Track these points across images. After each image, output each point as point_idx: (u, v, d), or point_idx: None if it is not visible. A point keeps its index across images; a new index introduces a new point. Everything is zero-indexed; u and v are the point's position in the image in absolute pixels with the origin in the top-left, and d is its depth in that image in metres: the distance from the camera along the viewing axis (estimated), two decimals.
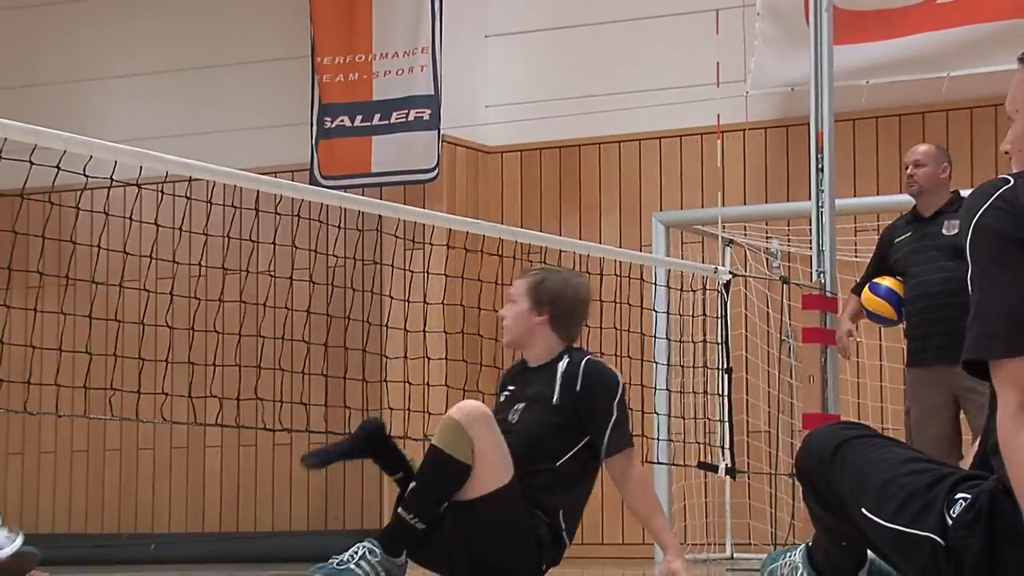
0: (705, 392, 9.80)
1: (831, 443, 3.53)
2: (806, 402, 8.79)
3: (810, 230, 9.20)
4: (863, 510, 3.38)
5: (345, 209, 7.39)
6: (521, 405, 6.06)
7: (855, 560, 3.80)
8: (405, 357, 7.53)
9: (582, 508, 6.11)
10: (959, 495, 3.21)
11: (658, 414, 9.27)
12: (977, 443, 3.45)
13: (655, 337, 9.47)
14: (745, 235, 11.23)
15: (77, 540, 12.29)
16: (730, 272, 9.30)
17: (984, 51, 10.65)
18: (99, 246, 6.49)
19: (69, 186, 6.12)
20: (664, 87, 11.86)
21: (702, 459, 9.15)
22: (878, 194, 11.26)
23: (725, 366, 9.02)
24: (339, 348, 7.96)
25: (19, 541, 6.07)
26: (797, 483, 9.71)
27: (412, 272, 7.62)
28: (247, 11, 13.03)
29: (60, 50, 13.50)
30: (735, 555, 10.57)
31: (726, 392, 9.07)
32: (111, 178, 5.90)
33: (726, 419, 9.02)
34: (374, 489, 12.09)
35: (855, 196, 11.06)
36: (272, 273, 7.37)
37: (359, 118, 12.01)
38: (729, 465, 8.94)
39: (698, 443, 9.43)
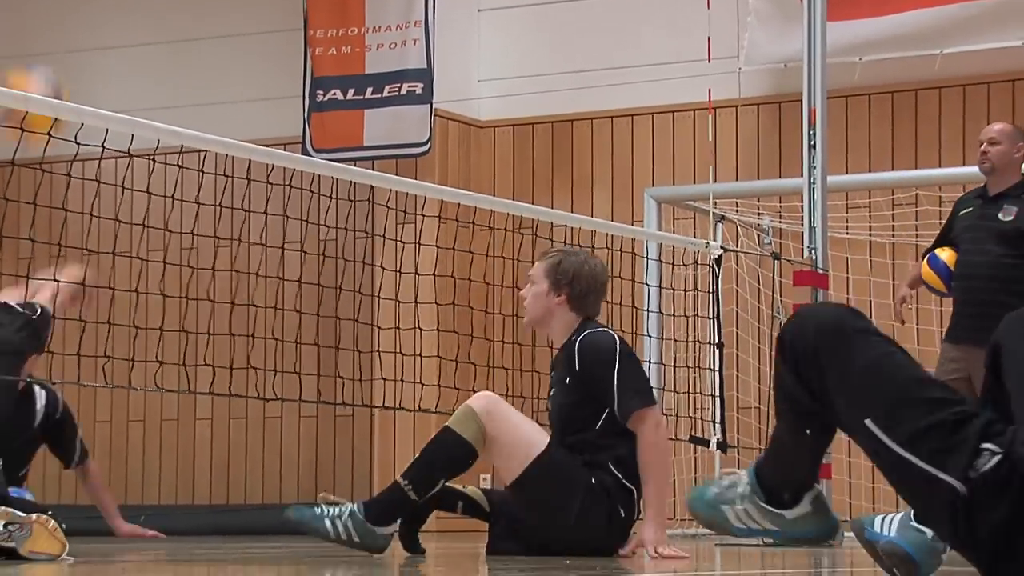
0: (696, 367, 9.82)
1: (836, 327, 3.28)
2: None
3: (802, 206, 9.22)
4: (868, 421, 3.18)
5: (337, 180, 7.38)
6: (553, 388, 6.33)
7: (808, 467, 3.58)
8: (397, 328, 7.54)
9: (633, 448, 6.21)
10: (987, 445, 3.07)
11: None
12: None
13: (646, 311, 9.48)
14: (737, 211, 11.24)
15: (67, 511, 12.24)
16: (721, 247, 9.32)
17: (977, 29, 10.65)
18: (91, 214, 6.48)
19: (60, 157, 6.11)
20: (657, 63, 11.85)
21: (693, 433, 9.18)
22: (870, 171, 11.27)
23: (717, 341, 9.04)
24: (331, 318, 7.97)
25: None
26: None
27: (404, 243, 7.62)
28: None
29: (52, 21, 13.47)
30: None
31: (718, 367, 9.08)
32: (103, 146, 5.89)
33: (717, 394, 9.04)
34: (364, 461, 12.11)
35: (847, 173, 11.06)
36: (264, 243, 7.37)
37: (351, 91, 12.00)
38: (720, 439, 8.96)
39: (689, 417, 9.44)
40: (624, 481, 6.16)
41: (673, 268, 9.99)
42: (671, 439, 9.78)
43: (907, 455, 3.12)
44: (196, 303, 6.95)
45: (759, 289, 11.21)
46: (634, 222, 11.26)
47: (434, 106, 11.74)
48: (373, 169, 11.21)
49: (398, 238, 7.65)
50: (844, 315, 3.34)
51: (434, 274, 7.96)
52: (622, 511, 6.17)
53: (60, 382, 7.29)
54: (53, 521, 5.57)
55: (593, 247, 8.57)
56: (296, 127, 12.09)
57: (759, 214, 11.24)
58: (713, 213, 10.72)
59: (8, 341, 6.43)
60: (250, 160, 6.83)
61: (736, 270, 11.07)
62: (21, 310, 6.53)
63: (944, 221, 8.60)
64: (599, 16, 12.13)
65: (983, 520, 3.05)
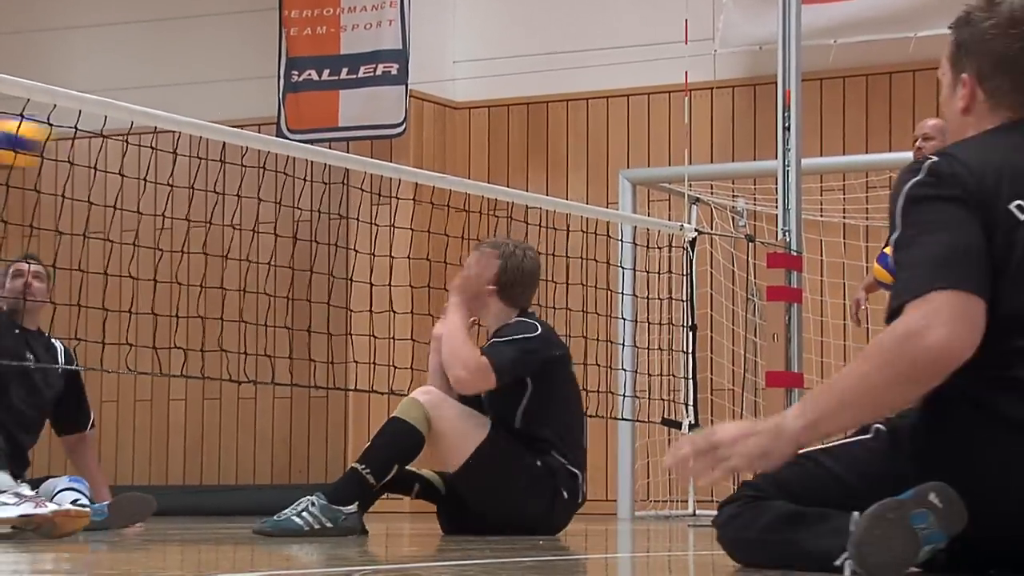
0: (669, 349, 9.83)
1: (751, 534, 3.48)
2: (770, 360, 8.83)
3: (776, 189, 9.23)
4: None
5: (311, 162, 7.37)
6: None
7: None
8: (370, 311, 7.53)
9: (577, 436, 6.50)
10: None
11: (624, 370, 9.30)
12: None
13: (621, 293, 9.50)
14: (711, 193, 11.25)
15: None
16: (696, 230, 9.32)
17: (951, 11, 10.58)
18: (63, 195, 6.46)
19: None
20: (632, 44, 11.85)
21: (665, 416, 9.19)
22: (844, 153, 11.30)
23: (689, 323, 9.05)
24: (304, 301, 7.96)
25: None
26: None
27: (378, 226, 7.61)
28: None
29: (24, 0, 13.39)
30: (697, 511, 10.62)
31: (690, 349, 9.10)
32: (75, 127, 5.87)
33: (690, 376, 9.06)
34: (338, 443, 12.11)
35: (821, 155, 11.09)
36: (236, 226, 7.35)
37: (326, 72, 11.98)
38: (693, 422, 8.97)
39: (662, 399, 9.46)
40: (569, 467, 6.37)
41: (647, 250, 10.00)
42: (643, 421, 9.83)
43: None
44: (169, 285, 6.93)
45: (733, 271, 11.23)
46: (609, 204, 11.27)
47: (409, 87, 11.72)
48: (348, 150, 11.21)
49: (372, 220, 7.65)
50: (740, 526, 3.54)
51: (408, 257, 7.95)
52: (566, 494, 6.33)
53: (35, 364, 7.26)
54: (67, 504, 5.70)
55: (568, 230, 8.58)
56: (271, 107, 12.06)
57: (734, 196, 11.26)
58: (688, 195, 10.73)
59: None
60: (224, 142, 6.81)
61: (711, 252, 11.08)
62: None
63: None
64: None
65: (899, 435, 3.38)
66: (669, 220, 10.65)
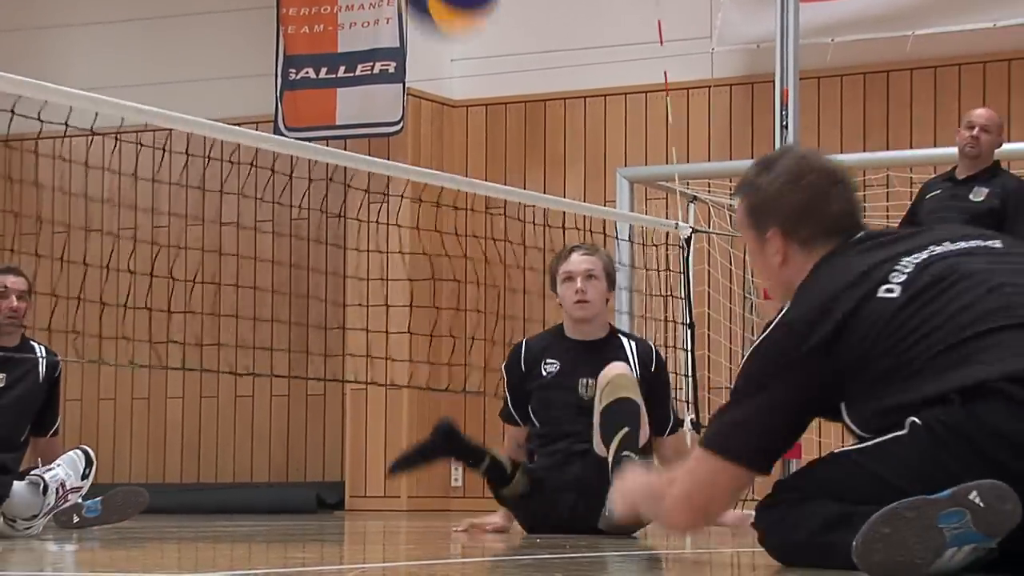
0: (667, 347, 9.84)
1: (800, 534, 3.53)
2: None
3: None
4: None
5: (310, 161, 7.37)
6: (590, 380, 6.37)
7: None
8: (367, 306, 7.54)
9: None
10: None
11: None
12: None
13: (618, 290, 9.49)
14: (709, 192, 11.25)
15: None
16: (692, 228, 9.33)
17: (948, 10, 10.67)
18: (55, 190, 6.46)
19: (26, 134, 6.08)
20: (630, 43, 11.85)
21: None
22: (842, 152, 11.28)
23: (688, 321, 9.06)
24: (302, 298, 7.97)
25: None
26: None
27: (376, 224, 7.62)
28: None
29: None
30: None
31: (689, 347, 9.11)
32: (66, 123, 5.86)
33: (690, 374, 9.06)
34: (335, 441, 12.11)
35: None
36: (234, 223, 7.35)
37: (324, 70, 11.97)
38: (694, 419, 8.99)
39: None
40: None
41: (644, 248, 10.00)
42: None
43: None
44: (167, 281, 6.93)
45: (731, 269, 11.23)
46: (606, 202, 11.27)
47: (407, 85, 11.72)
48: (346, 149, 11.20)
49: (370, 219, 7.65)
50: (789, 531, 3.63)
51: (401, 252, 7.95)
52: None
53: (31, 358, 7.25)
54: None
55: (565, 228, 8.59)
56: (268, 105, 12.05)
57: (731, 194, 11.26)
58: (685, 193, 10.73)
59: None
60: (222, 140, 6.81)
61: (708, 250, 11.09)
62: None
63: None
64: None
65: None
66: (666, 218, 10.66)
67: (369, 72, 11.83)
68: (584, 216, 8.89)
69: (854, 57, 11.17)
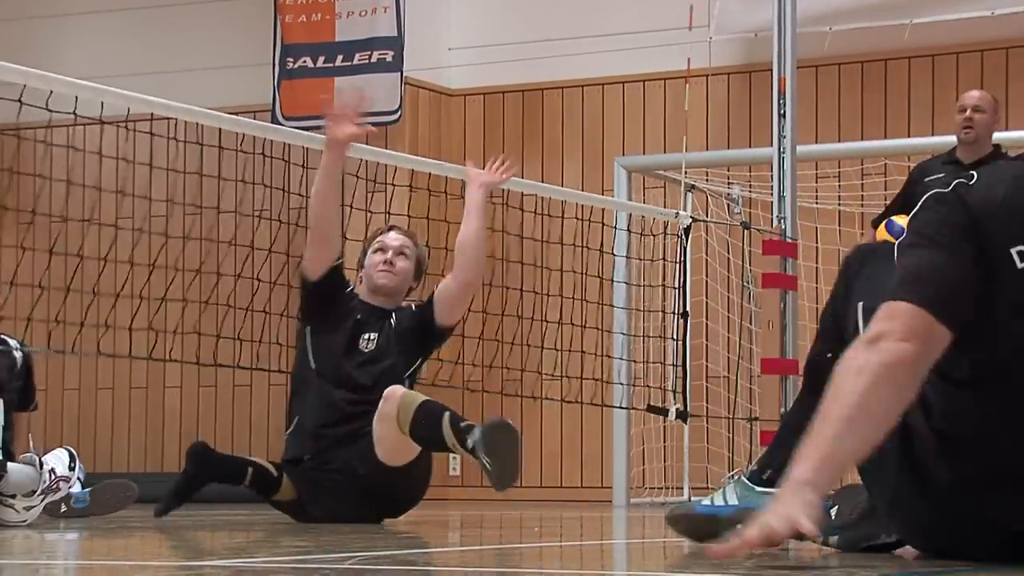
0: (663, 336, 9.84)
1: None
2: (765, 348, 8.87)
3: (771, 176, 9.24)
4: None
5: (307, 149, 7.36)
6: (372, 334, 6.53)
7: None
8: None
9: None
10: None
11: (619, 359, 9.31)
12: None
13: (614, 281, 9.50)
14: (707, 180, 11.26)
15: None
16: (691, 217, 9.34)
17: None
18: (53, 178, 6.46)
19: (30, 124, 6.08)
20: (628, 31, 11.84)
21: (651, 403, 9.19)
22: (840, 140, 11.30)
23: (681, 310, 9.06)
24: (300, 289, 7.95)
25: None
26: (755, 427, 9.70)
27: (373, 213, 7.61)
28: None
29: None
30: (692, 498, 10.63)
31: (681, 336, 9.11)
32: (75, 113, 5.87)
33: (679, 363, 9.06)
34: None
35: (816, 143, 11.09)
36: (232, 212, 7.35)
37: (321, 59, 11.97)
38: (681, 409, 8.98)
39: (648, 387, 9.47)
40: None
41: (642, 237, 10.00)
42: (635, 408, 9.83)
43: None
44: (166, 271, 6.93)
45: (729, 259, 11.23)
46: (604, 191, 11.27)
47: (404, 74, 11.72)
48: None
49: (368, 208, 7.65)
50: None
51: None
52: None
53: (29, 348, 7.25)
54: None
55: (563, 217, 8.58)
56: (266, 94, 12.05)
57: (729, 183, 11.27)
58: (683, 182, 10.74)
59: None
60: (219, 128, 6.81)
61: (706, 239, 11.09)
62: None
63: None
64: None
65: None
66: (664, 207, 10.66)
67: (367, 61, 11.82)
68: (582, 205, 8.88)
69: (852, 46, 11.17)
